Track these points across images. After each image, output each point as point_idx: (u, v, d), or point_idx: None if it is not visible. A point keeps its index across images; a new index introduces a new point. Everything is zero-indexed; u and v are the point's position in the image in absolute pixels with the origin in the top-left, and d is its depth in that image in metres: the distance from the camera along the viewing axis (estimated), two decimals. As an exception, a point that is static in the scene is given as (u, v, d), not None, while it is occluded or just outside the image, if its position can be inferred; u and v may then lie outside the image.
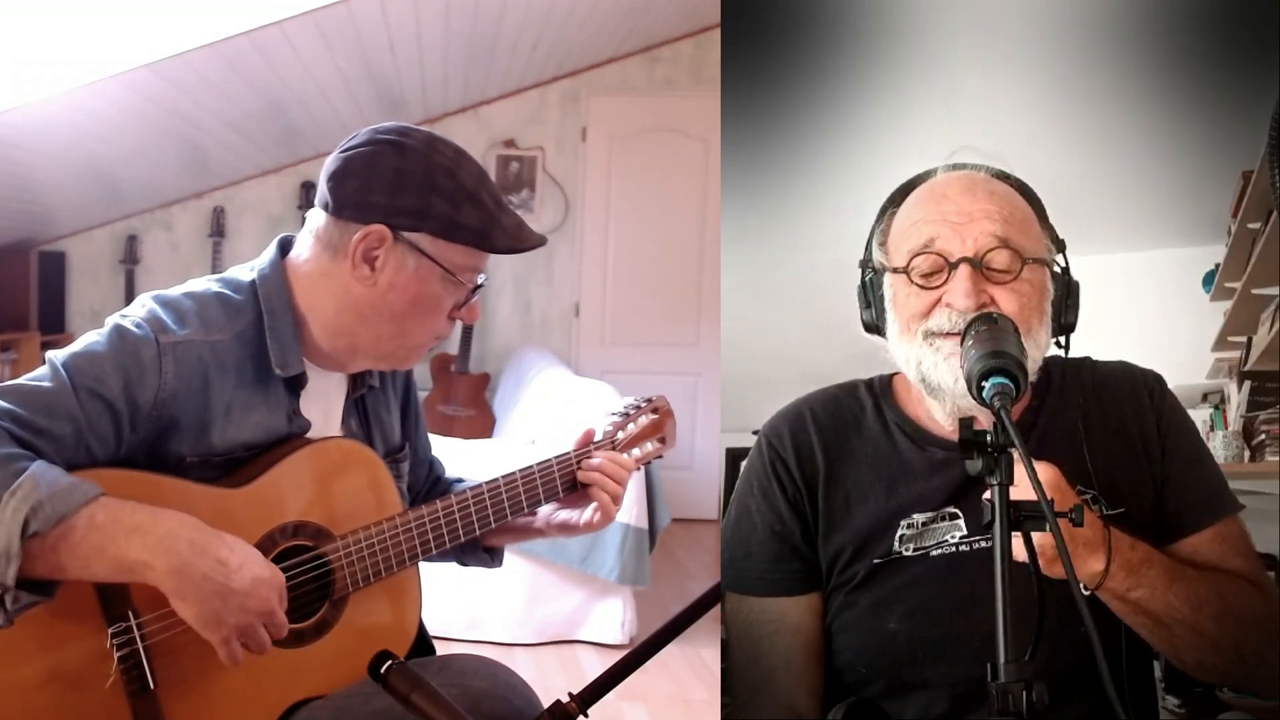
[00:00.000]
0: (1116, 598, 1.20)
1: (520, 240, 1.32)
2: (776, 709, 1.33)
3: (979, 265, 1.24)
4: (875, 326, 1.35)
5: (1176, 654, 1.25)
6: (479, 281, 1.34)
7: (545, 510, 1.51)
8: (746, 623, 1.37)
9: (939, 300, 1.25)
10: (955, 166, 1.33)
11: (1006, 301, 1.23)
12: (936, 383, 1.26)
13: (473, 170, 1.31)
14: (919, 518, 1.32)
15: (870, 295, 1.35)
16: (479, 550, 1.54)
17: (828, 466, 1.37)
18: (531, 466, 1.46)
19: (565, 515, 1.50)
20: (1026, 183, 1.33)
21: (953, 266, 1.24)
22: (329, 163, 1.31)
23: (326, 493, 1.32)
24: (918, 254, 1.26)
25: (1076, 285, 1.31)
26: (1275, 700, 1.31)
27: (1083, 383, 1.36)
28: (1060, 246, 1.31)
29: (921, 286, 1.26)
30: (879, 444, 1.37)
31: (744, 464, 1.43)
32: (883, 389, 1.41)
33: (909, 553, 1.32)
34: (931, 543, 1.32)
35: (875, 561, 1.32)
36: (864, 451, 1.37)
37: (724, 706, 1.42)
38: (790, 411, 1.42)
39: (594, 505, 1.47)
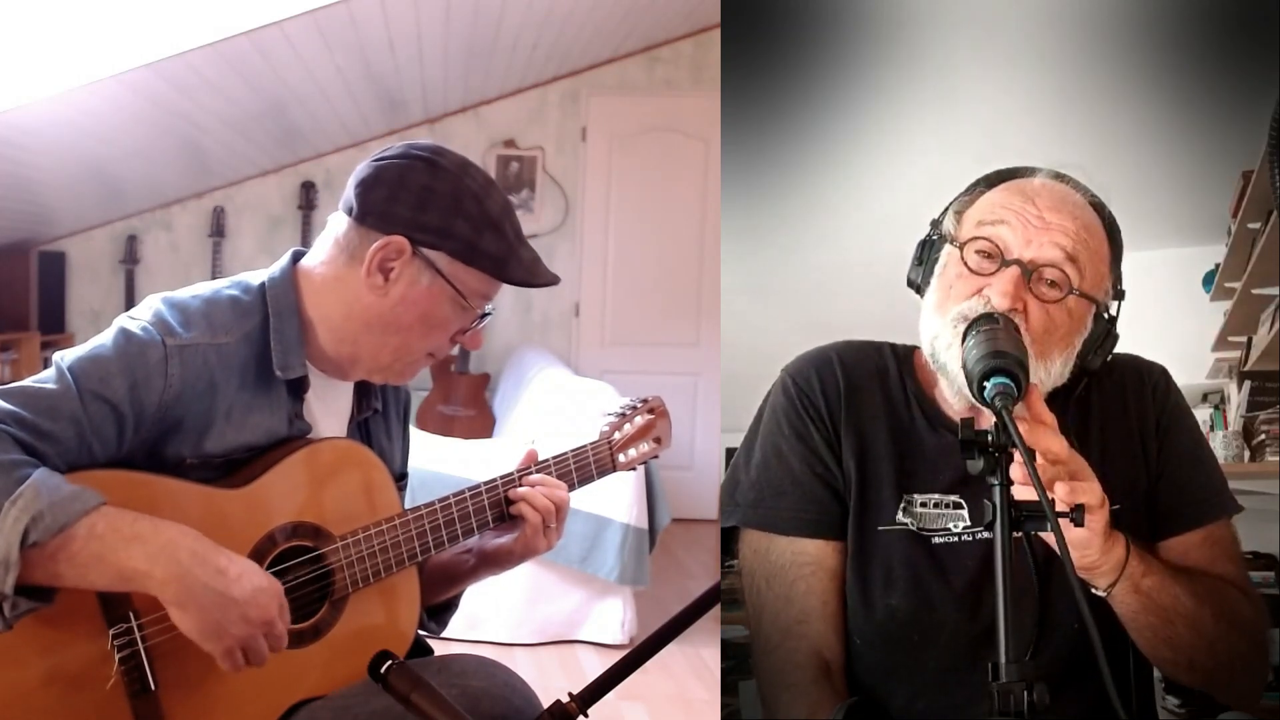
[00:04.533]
0: (1132, 589, 1.19)
1: (535, 275, 1.34)
2: (809, 653, 1.31)
3: (1029, 274, 1.23)
4: (917, 286, 1.35)
5: (1174, 655, 1.24)
6: (487, 309, 1.35)
7: (474, 542, 1.46)
8: (779, 564, 1.34)
9: (980, 290, 1.25)
10: (1058, 177, 1.32)
11: (1037, 318, 1.23)
12: (944, 362, 1.26)
13: (499, 200, 1.32)
14: (924, 498, 1.32)
15: (924, 255, 1.34)
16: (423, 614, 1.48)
17: (848, 415, 1.35)
18: (529, 467, 1.46)
19: (496, 542, 1.46)
20: (1117, 223, 1.32)
21: (1006, 264, 1.24)
22: (360, 169, 1.33)
23: (325, 493, 1.32)
24: (980, 234, 1.26)
25: (1115, 337, 1.31)
26: (1251, 708, 1.32)
27: (1088, 374, 1.35)
28: (1119, 295, 1.31)
29: (971, 270, 1.26)
30: (897, 409, 1.36)
31: (766, 404, 1.41)
32: (906, 358, 1.39)
33: (914, 527, 1.31)
34: (935, 527, 1.31)
35: (880, 529, 1.32)
36: (882, 411, 1.36)
37: (724, 706, 1.41)
38: (816, 355, 1.40)
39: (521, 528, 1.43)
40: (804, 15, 2.81)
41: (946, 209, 1.35)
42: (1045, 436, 1.09)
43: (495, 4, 4.18)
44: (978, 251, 1.26)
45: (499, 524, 1.44)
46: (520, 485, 1.44)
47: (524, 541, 1.43)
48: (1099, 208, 1.31)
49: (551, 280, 1.35)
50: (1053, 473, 1.09)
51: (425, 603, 1.46)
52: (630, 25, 5.20)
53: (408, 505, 1.41)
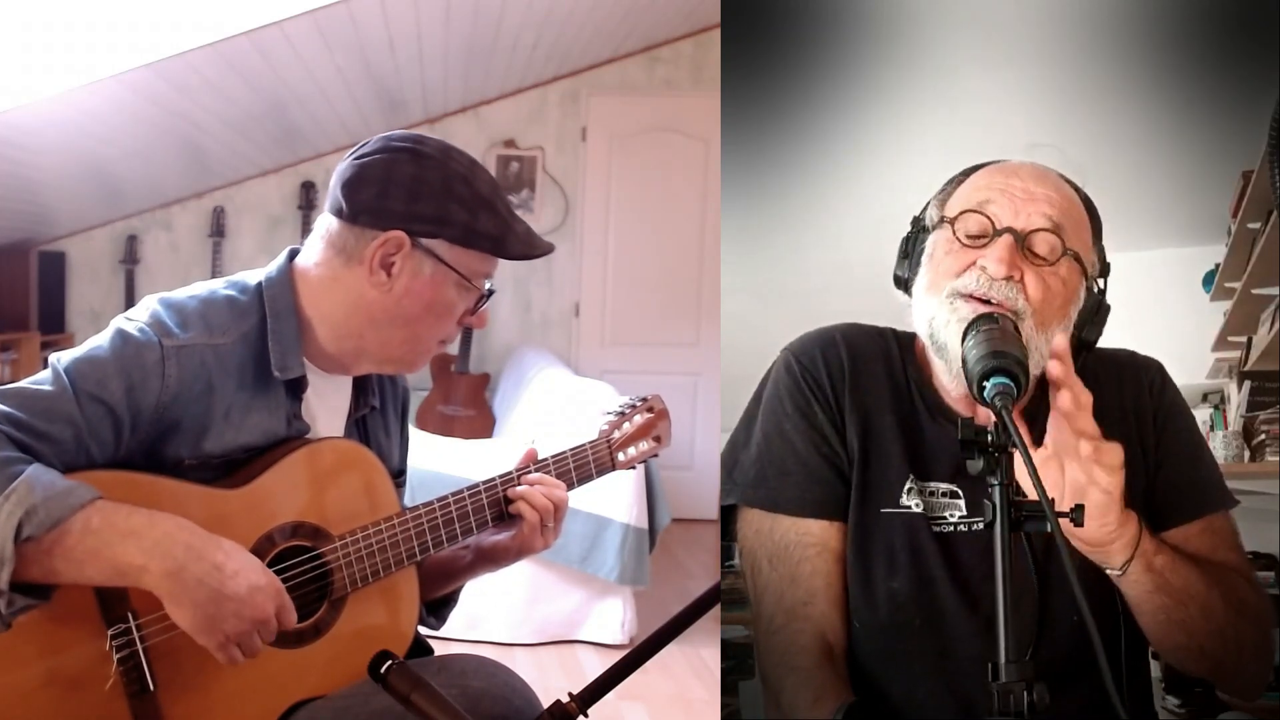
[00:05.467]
0: (1146, 566, 1.19)
1: (532, 247, 1.34)
2: (813, 635, 1.30)
3: (1022, 240, 1.24)
4: (905, 282, 1.35)
5: (1186, 639, 1.23)
6: (489, 287, 1.36)
7: (472, 539, 1.45)
8: (783, 544, 1.33)
9: (974, 262, 1.25)
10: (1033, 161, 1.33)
11: (1033, 285, 1.23)
12: (944, 341, 1.25)
13: (486, 179, 1.33)
14: (924, 485, 1.32)
15: (910, 249, 1.35)
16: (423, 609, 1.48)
17: (852, 395, 1.35)
18: (528, 466, 1.46)
19: (494, 539, 1.46)
20: (1093, 201, 1.33)
21: (997, 233, 1.24)
22: (342, 169, 1.32)
23: (324, 493, 1.32)
24: (969, 210, 1.27)
25: (1107, 309, 1.31)
26: (1255, 701, 1.32)
27: (1084, 369, 1.35)
28: (1105, 270, 1.32)
29: (963, 244, 1.26)
30: (900, 394, 1.36)
31: (766, 382, 1.39)
32: (907, 345, 1.39)
33: (917, 509, 1.31)
34: (933, 515, 1.31)
35: (883, 511, 1.31)
36: (886, 393, 1.36)
37: (724, 706, 1.41)
38: (820, 335, 1.40)
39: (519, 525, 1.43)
40: (804, 15, 2.81)
41: (927, 204, 1.36)
42: (1082, 420, 1.11)
43: (495, 4, 4.18)
44: (966, 233, 1.27)
45: (498, 523, 1.44)
46: (519, 484, 1.44)
47: (521, 540, 1.43)
48: (1075, 187, 1.32)
49: (547, 249, 1.35)
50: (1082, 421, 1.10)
51: (423, 598, 1.46)
52: (630, 25, 5.20)
53: (407, 504, 1.41)
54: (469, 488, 1.41)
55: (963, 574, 1.29)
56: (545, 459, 1.48)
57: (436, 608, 1.54)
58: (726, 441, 1.42)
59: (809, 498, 1.33)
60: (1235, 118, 3.00)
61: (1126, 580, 1.20)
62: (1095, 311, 1.30)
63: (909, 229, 1.36)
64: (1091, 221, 1.31)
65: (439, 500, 1.39)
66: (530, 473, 1.45)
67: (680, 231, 5.73)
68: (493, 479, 1.43)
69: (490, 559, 1.47)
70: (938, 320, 1.26)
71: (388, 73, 4.66)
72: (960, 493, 1.31)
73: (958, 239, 1.27)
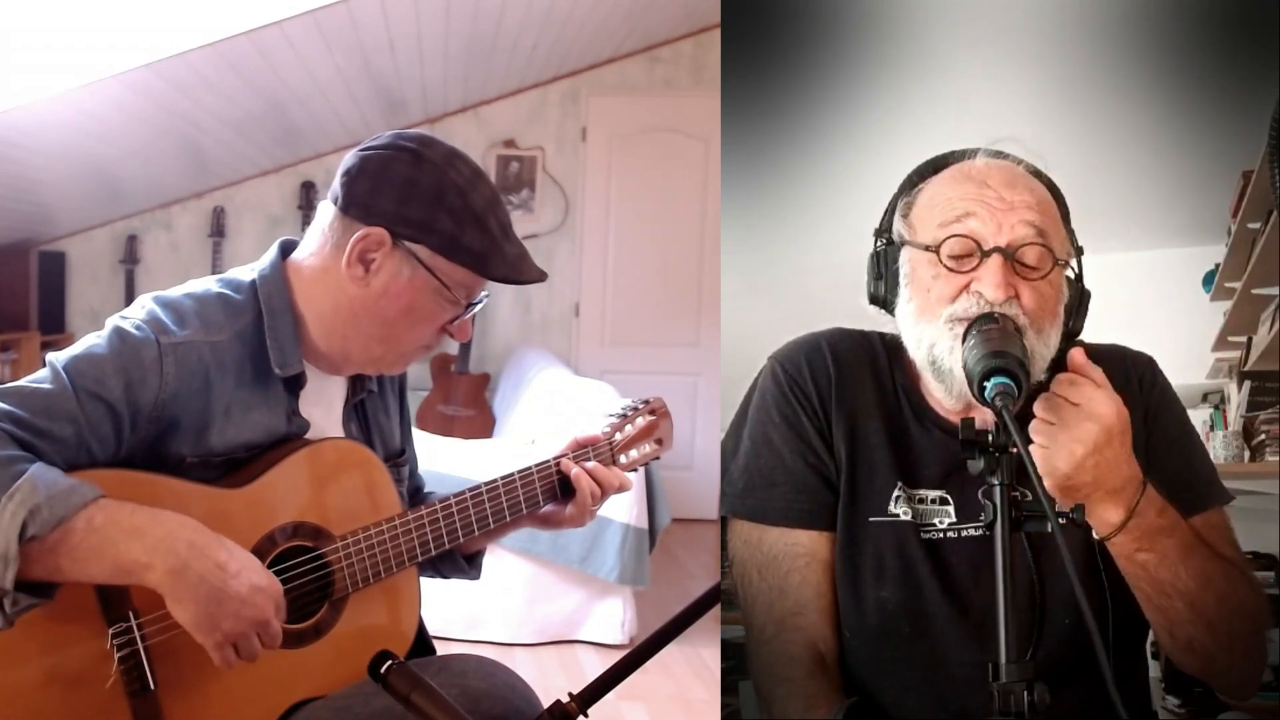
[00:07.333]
0: (1123, 556, 1.19)
1: (519, 272, 1.32)
2: (804, 645, 1.30)
3: (1010, 256, 1.22)
4: (882, 300, 1.33)
5: (1170, 630, 1.23)
6: (476, 300, 1.34)
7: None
8: (772, 554, 1.33)
9: (967, 285, 1.23)
10: (995, 154, 1.31)
11: (1029, 297, 1.22)
12: (949, 368, 1.24)
13: (485, 194, 1.30)
14: (913, 492, 1.31)
15: (882, 267, 1.32)
16: (458, 560, 1.51)
17: (839, 403, 1.34)
18: (530, 468, 1.46)
19: (546, 509, 1.49)
20: (1056, 184, 1.32)
21: (985, 254, 1.23)
22: (347, 158, 1.32)
23: (325, 493, 1.32)
24: (951, 232, 1.24)
25: (1088, 294, 1.30)
26: (1245, 700, 1.31)
27: (1072, 338, 1.34)
28: (1078, 252, 1.30)
29: (951, 270, 1.24)
30: (888, 401, 1.35)
31: (754, 391, 1.39)
32: (895, 349, 1.36)
33: (905, 517, 1.30)
34: (922, 523, 1.31)
35: (871, 519, 1.31)
36: (873, 399, 1.34)
37: (724, 707, 1.41)
38: (806, 342, 1.38)
39: (573, 501, 1.46)
40: (804, 15, 2.81)
41: (890, 213, 1.33)
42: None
43: (495, 4, 4.18)
44: (951, 256, 1.24)
45: (499, 524, 1.44)
46: (517, 487, 1.44)
47: (577, 512, 1.47)
48: (1039, 175, 1.31)
49: (538, 277, 1.33)
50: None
51: (463, 551, 1.49)
52: (630, 25, 5.20)
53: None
54: (470, 489, 1.41)
55: (952, 581, 1.28)
56: (546, 461, 1.48)
57: (474, 558, 1.54)
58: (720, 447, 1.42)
59: (796, 508, 1.33)
60: (1235, 118, 3.00)
61: (1126, 538, 1.18)
62: (1079, 301, 1.29)
63: (875, 243, 1.33)
64: (1060, 209, 1.30)
65: (440, 501, 1.39)
66: (532, 475, 1.45)
67: (680, 231, 5.73)
68: (494, 480, 1.43)
69: (541, 521, 1.49)
70: (939, 347, 1.24)
71: (388, 73, 4.66)
72: (949, 499, 1.30)
73: (945, 265, 1.24)
